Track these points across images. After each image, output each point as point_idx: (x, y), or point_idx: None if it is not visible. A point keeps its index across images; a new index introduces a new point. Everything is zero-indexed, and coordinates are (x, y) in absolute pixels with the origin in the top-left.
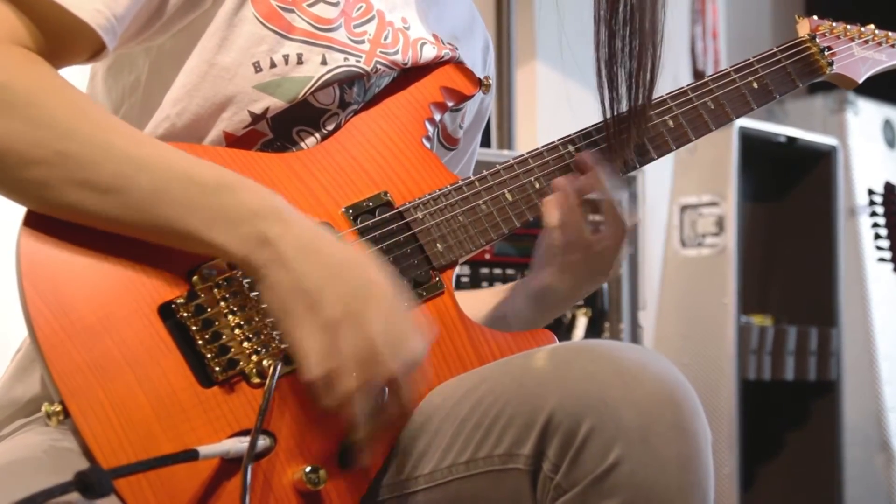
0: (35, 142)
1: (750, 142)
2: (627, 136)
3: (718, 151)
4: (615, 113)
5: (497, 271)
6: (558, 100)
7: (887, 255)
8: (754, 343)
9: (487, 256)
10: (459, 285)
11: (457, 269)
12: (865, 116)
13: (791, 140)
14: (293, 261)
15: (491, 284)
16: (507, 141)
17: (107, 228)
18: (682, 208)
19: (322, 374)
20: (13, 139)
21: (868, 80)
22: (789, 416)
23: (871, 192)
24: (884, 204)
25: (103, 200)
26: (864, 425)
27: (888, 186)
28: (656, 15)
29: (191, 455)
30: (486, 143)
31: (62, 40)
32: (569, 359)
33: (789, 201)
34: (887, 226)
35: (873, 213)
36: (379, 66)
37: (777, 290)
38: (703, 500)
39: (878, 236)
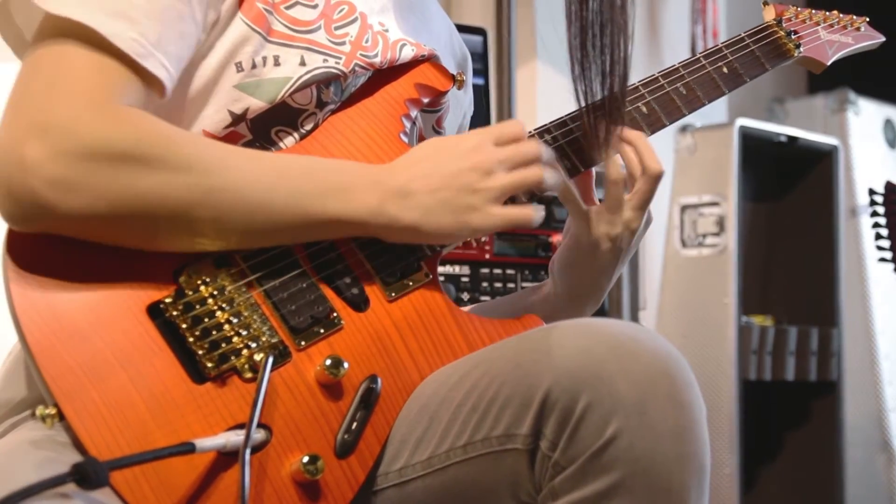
0: (184, 186)
1: (750, 141)
2: (603, 130)
3: (719, 151)
4: (590, 107)
5: (497, 271)
6: (558, 100)
7: (888, 255)
8: (755, 343)
9: (487, 256)
10: (459, 286)
11: (455, 269)
12: (866, 116)
13: (792, 140)
14: (419, 191)
15: (491, 285)
16: None
17: (259, 244)
18: (682, 208)
19: (532, 213)
20: (166, 190)
21: (869, 79)
22: (790, 417)
23: (871, 192)
24: (885, 204)
25: (257, 217)
26: (865, 426)
27: (889, 186)
28: (626, 9)
29: (187, 448)
30: None
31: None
32: (562, 336)
33: (790, 201)
34: (888, 226)
35: (874, 213)
36: (357, 68)
37: (778, 290)
38: (699, 471)
39: (878, 236)
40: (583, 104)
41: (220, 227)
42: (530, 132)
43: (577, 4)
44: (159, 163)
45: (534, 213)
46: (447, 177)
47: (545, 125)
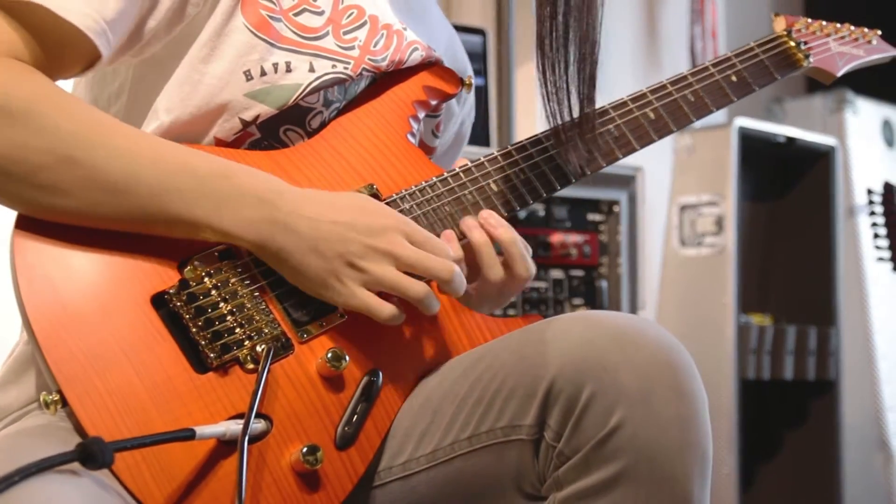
0: (40, 149)
1: (749, 142)
2: (573, 138)
3: (718, 151)
4: (560, 118)
5: None
6: None
7: (886, 254)
8: (753, 342)
9: None
10: None
11: None
12: (864, 116)
13: (790, 140)
14: (304, 232)
15: None
16: (507, 141)
17: (117, 227)
18: (681, 208)
19: (391, 311)
20: (18, 149)
21: (867, 80)
22: (788, 416)
23: (869, 192)
24: (882, 204)
25: (113, 199)
26: (863, 425)
27: (887, 186)
28: (594, 16)
29: (187, 434)
30: (485, 142)
31: (57, 49)
32: (566, 328)
33: (788, 201)
34: (886, 225)
35: (872, 213)
36: (364, 72)
37: (776, 289)
38: (702, 460)
39: (876, 236)
40: (551, 117)
41: (69, 201)
42: (538, 135)
43: (546, 12)
44: (21, 120)
45: (392, 315)
46: (337, 235)
47: (546, 131)
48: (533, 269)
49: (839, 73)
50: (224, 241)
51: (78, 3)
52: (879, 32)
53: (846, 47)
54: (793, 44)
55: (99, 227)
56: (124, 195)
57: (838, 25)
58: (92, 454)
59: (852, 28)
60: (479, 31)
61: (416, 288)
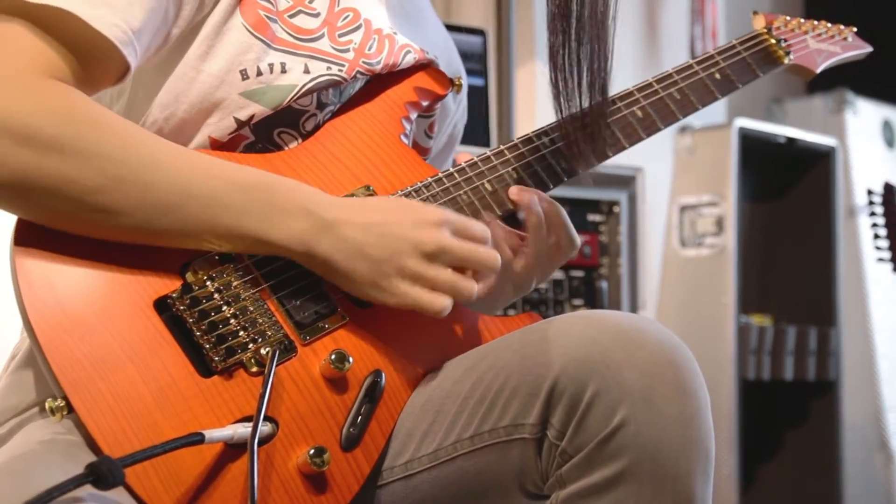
0: (93, 172)
1: (749, 142)
2: (583, 144)
3: (718, 152)
4: (570, 120)
5: None
6: None
7: (886, 254)
8: (754, 343)
9: None
10: None
11: None
12: (864, 117)
13: (790, 140)
14: (351, 237)
15: None
16: (506, 141)
17: (166, 243)
18: (681, 208)
19: (443, 303)
20: (72, 171)
21: (867, 80)
22: (789, 416)
23: (870, 193)
24: (883, 204)
25: (165, 216)
26: (863, 425)
27: (887, 187)
28: (606, 24)
29: (197, 438)
30: (485, 143)
31: (92, 63)
32: (568, 327)
33: (789, 201)
34: (886, 226)
35: (872, 214)
36: (358, 75)
37: (776, 290)
38: (705, 457)
39: (877, 236)
40: (560, 114)
41: (124, 219)
42: (529, 134)
43: (559, 17)
44: (72, 145)
45: (445, 307)
46: (383, 237)
47: (542, 128)
48: (577, 239)
49: (818, 70)
50: (271, 253)
51: (106, 12)
52: (855, 29)
53: (824, 44)
54: (773, 41)
55: (153, 243)
56: (176, 212)
57: (815, 23)
58: (102, 475)
59: (829, 25)
60: (479, 32)
61: (469, 286)
